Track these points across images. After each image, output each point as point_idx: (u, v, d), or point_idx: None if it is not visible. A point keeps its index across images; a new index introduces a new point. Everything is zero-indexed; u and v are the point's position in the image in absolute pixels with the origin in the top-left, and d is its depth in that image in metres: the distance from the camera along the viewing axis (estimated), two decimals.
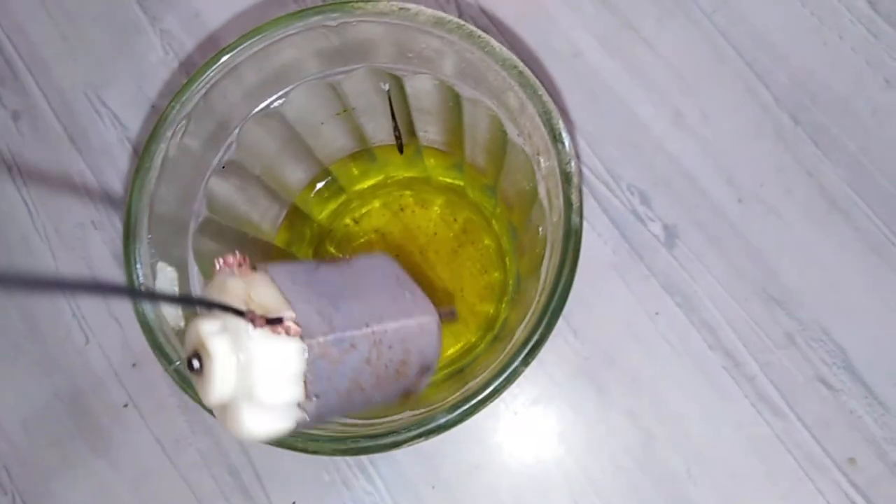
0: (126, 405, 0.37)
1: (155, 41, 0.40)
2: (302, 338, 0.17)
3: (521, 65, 0.22)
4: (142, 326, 0.22)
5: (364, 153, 0.32)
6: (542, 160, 0.24)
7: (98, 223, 0.39)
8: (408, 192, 0.35)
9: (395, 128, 0.30)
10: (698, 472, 0.33)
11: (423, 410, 0.23)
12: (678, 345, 0.34)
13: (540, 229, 0.25)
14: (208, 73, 0.24)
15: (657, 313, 0.35)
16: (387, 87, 0.27)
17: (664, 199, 0.36)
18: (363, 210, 0.35)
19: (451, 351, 0.33)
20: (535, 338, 0.21)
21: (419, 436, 0.20)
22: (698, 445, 0.34)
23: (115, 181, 0.39)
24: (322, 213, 0.34)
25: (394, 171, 0.34)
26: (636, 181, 0.36)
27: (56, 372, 0.38)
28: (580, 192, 0.21)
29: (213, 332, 0.18)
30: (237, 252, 0.20)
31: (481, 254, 0.34)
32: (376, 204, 0.35)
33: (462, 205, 0.34)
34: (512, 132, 0.25)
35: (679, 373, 0.34)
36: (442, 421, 0.20)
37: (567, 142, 0.21)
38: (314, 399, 0.18)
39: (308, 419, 0.18)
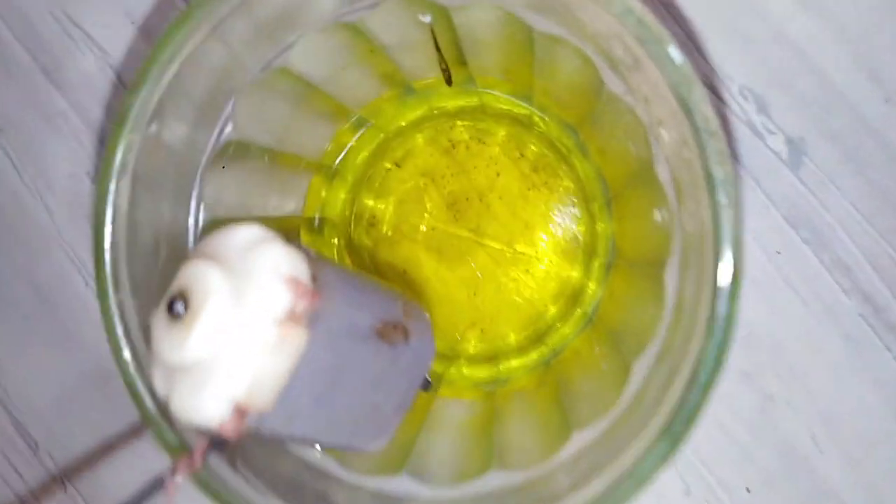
0: None
1: None
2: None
3: (638, 9, 0.14)
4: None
5: (401, 90, 0.25)
6: (664, 133, 0.17)
7: (93, 173, 0.33)
8: (459, 123, 0.28)
9: (441, 59, 0.23)
10: (825, 439, 0.28)
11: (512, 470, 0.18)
12: (804, 289, 0.28)
13: (657, 215, 0.19)
14: (178, 38, 0.17)
15: (779, 252, 0.28)
16: (428, 19, 0.20)
17: (787, 105, 0.28)
18: (405, 148, 0.28)
19: (517, 315, 0.28)
20: (679, 425, 0.15)
21: None
22: (826, 408, 0.28)
23: (103, 119, 0.33)
24: (356, 160, 0.28)
25: (440, 101, 0.27)
26: (750, 83, 0.28)
27: (78, 349, 0.34)
28: (738, 208, 0.14)
29: (216, 281, 0.15)
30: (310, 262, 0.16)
31: (559, 199, 0.27)
32: (420, 140, 0.28)
33: (530, 137, 0.27)
34: (614, 84, 0.18)
35: (805, 323, 0.28)
36: None
37: (720, 135, 0.14)
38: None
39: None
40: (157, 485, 0.15)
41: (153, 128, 0.18)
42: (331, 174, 0.26)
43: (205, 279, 0.15)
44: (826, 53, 0.28)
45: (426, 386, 0.22)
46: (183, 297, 0.15)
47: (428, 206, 0.28)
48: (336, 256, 0.27)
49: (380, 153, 0.28)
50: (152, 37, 0.32)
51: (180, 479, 0.15)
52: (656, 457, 0.15)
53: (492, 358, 0.27)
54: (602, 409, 0.18)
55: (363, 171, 0.28)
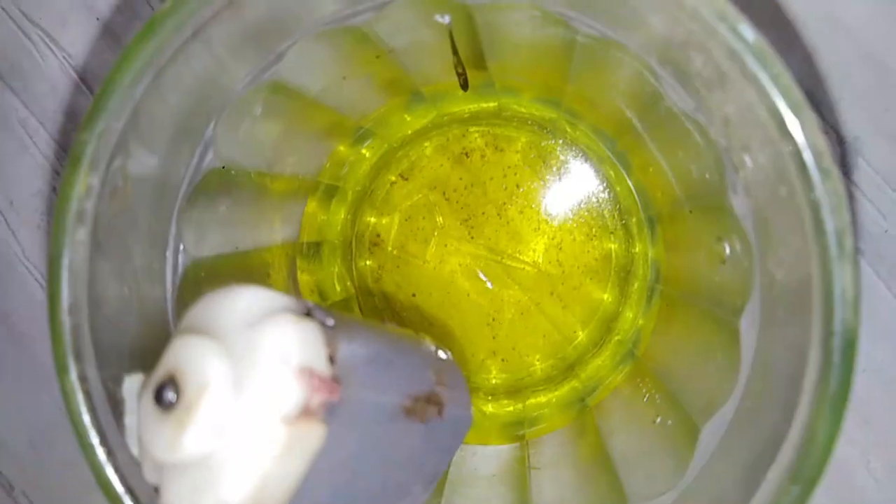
0: None
1: None
2: None
3: (733, 15, 0.11)
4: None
5: (408, 96, 0.22)
6: (748, 161, 0.13)
7: (59, 187, 0.30)
8: (473, 129, 0.24)
9: (458, 63, 0.19)
10: (880, 467, 0.26)
11: None
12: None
13: (727, 250, 0.16)
14: (147, 51, 0.14)
15: None
16: (447, 19, 0.16)
17: (840, 101, 0.25)
18: (411, 159, 0.25)
19: (542, 341, 0.25)
20: None
21: None
22: (882, 433, 0.26)
23: (68, 127, 0.29)
24: (357, 175, 0.24)
25: (451, 106, 0.24)
26: (799, 74, 0.25)
27: (51, 381, 0.30)
28: (856, 264, 0.11)
29: (215, 367, 0.12)
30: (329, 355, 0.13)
31: (588, 213, 0.24)
32: (428, 149, 0.25)
33: (554, 143, 0.24)
34: (681, 99, 0.15)
35: (860, 343, 0.25)
36: None
37: (834, 173, 0.11)
38: None
39: None
40: None
41: (117, 162, 0.14)
42: (329, 193, 0.23)
43: (201, 363, 0.12)
44: (885, 42, 0.25)
45: None
46: (173, 382, 0.13)
47: (438, 221, 0.25)
48: (336, 285, 0.24)
49: (383, 166, 0.24)
50: (120, 34, 0.28)
51: None
52: None
53: (516, 391, 0.24)
54: (664, 478, 0.15)
55: (365, 186, 0.24)
